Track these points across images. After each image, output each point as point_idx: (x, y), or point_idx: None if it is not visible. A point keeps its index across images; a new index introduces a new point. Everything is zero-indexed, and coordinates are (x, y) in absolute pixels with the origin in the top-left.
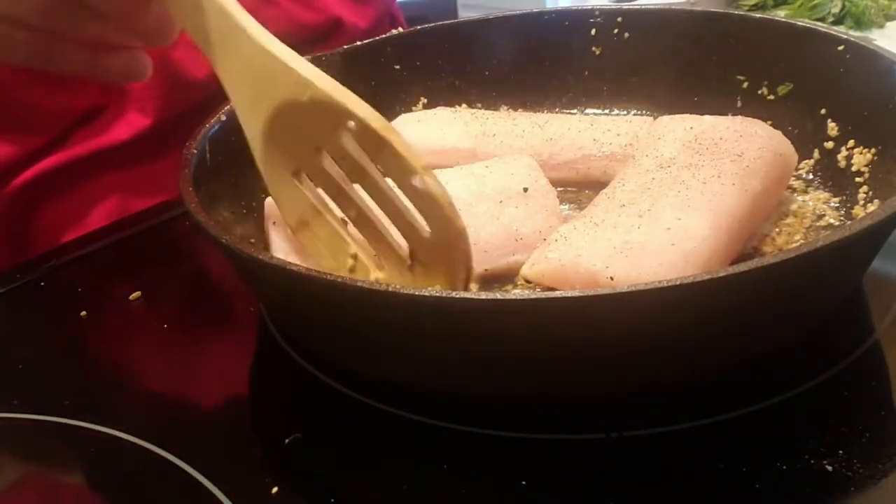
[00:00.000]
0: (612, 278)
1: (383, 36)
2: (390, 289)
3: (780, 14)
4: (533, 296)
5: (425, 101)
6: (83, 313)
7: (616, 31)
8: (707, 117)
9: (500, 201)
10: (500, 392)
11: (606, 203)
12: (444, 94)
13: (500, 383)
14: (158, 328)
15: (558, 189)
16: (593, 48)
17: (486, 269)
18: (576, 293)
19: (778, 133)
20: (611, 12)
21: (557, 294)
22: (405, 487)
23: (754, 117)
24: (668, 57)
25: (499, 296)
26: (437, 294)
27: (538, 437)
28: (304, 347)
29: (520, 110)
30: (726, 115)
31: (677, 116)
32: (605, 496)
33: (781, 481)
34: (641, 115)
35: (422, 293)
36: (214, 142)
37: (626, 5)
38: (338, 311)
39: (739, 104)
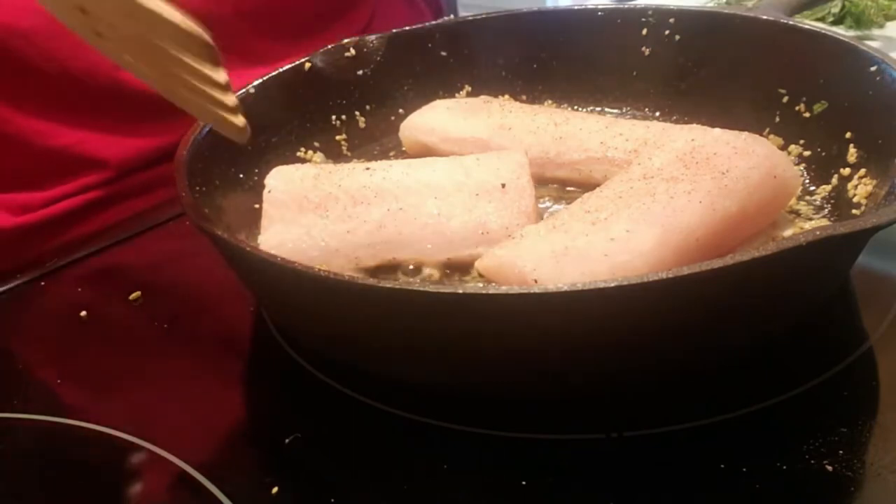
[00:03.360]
0: (535, 281)
1: (433, 22)
2: (359, 280)
3: None
4: (425, 288)
5: (469, 88)
6: (83, 313)
7: (667, 32)
8: (716, 130)
9: (477, 194)
10: (457, 381)
11: (577, 207)
12: (490, 83)
13: (446, 371)
14: (158, 328)
15: (564, 188)
16: (643, 48)
17: (448, 258)
18: (447, 289)
19: (780, 155)
20: (663, 12)
21: (443, 289)
22: (405, 487)
23: (790, 136)
24: (715, 63)
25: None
26: (412, 288)
27: (538, 437)
28: (304, 347)
29: (565, 106)
30: (764, 129)
31: (687, 127)
32: (605, 496)
33: (781, 481)
34: (684, 121)
35: (368, 283)
36: (209, 138)
37: (675, 6)
38: (316, 302)
39: (778, 119)
